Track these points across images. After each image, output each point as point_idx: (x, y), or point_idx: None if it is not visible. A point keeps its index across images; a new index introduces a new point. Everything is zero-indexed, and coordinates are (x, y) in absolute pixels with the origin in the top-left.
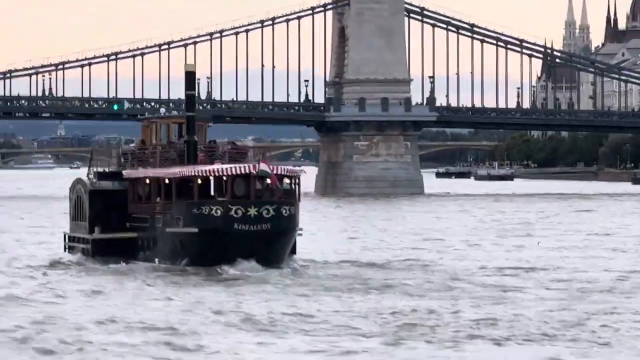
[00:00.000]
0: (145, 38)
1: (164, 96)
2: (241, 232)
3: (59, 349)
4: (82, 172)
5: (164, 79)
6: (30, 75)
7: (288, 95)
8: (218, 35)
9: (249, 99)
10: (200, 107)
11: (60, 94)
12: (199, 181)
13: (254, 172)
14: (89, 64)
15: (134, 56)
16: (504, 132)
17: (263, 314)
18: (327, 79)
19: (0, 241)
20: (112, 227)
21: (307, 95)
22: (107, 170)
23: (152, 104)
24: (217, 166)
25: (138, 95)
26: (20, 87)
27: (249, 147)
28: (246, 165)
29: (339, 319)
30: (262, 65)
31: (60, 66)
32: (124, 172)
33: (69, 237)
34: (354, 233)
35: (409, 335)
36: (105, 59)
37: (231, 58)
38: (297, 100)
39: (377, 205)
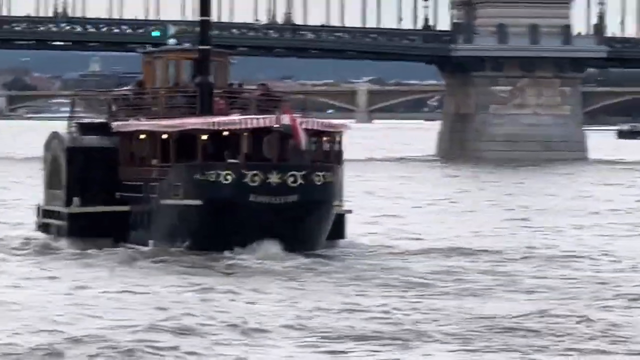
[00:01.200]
0: None
1: (225, 18)
2: (259, 206)
3: None
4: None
5: None
6: None
7: (400, 19)
8: None
9: (345, 24)
10: (276, 35)
11: (78, 14)
12: (204, 137)
13: (276, 126)
14: None
15: None
16: None
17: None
18: None
19: None
20: (96, 198)
21: (426, 20)
22: (93, 121)
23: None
24: (227, 117)
25: (189, 16)
26: (25, 5)
27: (285, 93)
28: (264, 117)
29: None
30: None
31: None
32: (113, 123)
33: (43, 211)
34: (464, 214)
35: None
36: None
37: None
38: (411, 27)
39: (517, 175)
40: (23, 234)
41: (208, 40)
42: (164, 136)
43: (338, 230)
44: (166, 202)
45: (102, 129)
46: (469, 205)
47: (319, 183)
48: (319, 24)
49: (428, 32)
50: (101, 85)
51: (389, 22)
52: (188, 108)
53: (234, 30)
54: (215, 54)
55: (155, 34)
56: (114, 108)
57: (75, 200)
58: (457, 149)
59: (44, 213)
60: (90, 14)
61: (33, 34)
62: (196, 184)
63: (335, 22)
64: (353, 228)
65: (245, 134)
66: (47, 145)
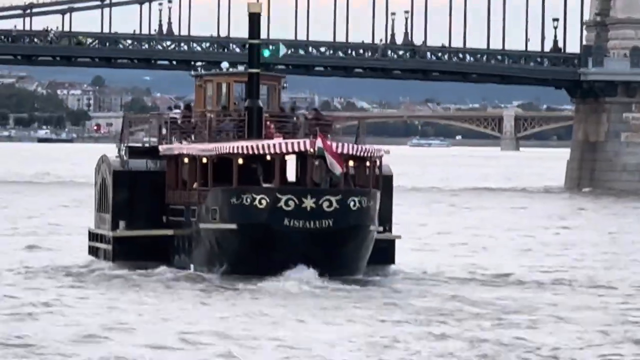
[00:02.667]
0: None
1: (355, 38)
2: (293, 231)
3: None
4: None
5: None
6: (140, 2)
7: (527, 40)
8: None
9: (467, 45)
10: (395, 57)
11: (181, 31)
12: (240, 161)
13: (311, 151)
14: None
15: None
16: None
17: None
18: (586, 19)
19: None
20: (141, 222)
21: (555, 42)
22: (142, 144)
23: (325, 49)
24: (263, 142)
25: (301, 36)
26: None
27: (337, 117)
28: (300, 141)
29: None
30: None
31: None
32: (160, 147)
33: (92, 234)
34: (555, 247)
35: None
36: None
37: None
38: (539, 49)
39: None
40: (67, 258)
41: (257, 63)
42: (204, 160)
43: (386, 256)
44: (204, 225)
45: (151, 153)
46: (568, 239)
47: (354, 208)
48: (439, 44)
49: (557, 54)
50: None
51: (514, 43)
52: (237, 131)
53: (350, 51)
54: (266, 77)
55: (266, 53)
56: (164, 131)
57: (121, 224)
58: (586, 179)
59: (93, 236)
60: (195, 30)
61: (137, 53)
62: (231, 207)
63: (456, 42)
64: (420, 257)
65: (283, 157)
66: (97, 169)
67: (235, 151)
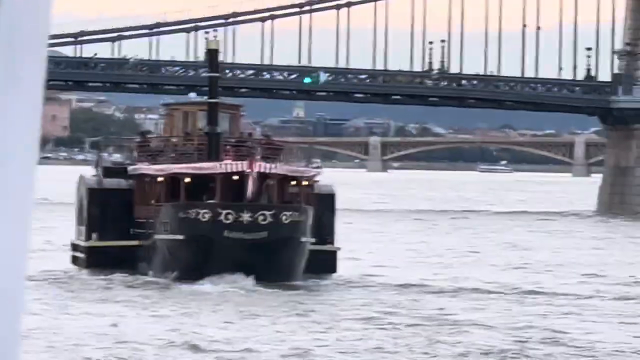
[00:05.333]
0: None
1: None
2: (231, 241)
3: None
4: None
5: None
6: (186, 31)
7: (560, 69)
8: None
9: (501, 73)
10: (428, 82)
11: (230, 59)
12: (187, 180)
13: (248, 172)
14: (271, 17)
15: (337, 7)
16: None
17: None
18: (617, 48)
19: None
20: (112, 234)
21: (588, 71)
22: (115, 165)
23: (362, 76)
24: (209, 163)
25: (342, 64)
26: (170, 47)
27: (287, 142)
28: (239, 163)
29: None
30: (524, 25)
31: (231, 19)
32: (129, 167)
33: (72, 245)
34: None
35: None
36: (297, 9)
37: (471, 17)
38: (571, 77)
39: None
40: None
41: (215, 94)
42: (160, 179)
43: (329, 265)
44: (158, 237)
45: (123, 173)
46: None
47: (286, 221)
48: (473, 72)
49: (588, 83)
50: (302, 131)
51: (548, 71)
52: (198, 154)
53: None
54: (226, 106)
55: (307, 80)
56: (135, 154)
57: (94, 235)
58: (617, 203)
59: (73, 247)
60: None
61: (184, 79)
62: (179, 220)
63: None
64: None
65: (220, 177)
66: (77, 187)
67: (183, 171)
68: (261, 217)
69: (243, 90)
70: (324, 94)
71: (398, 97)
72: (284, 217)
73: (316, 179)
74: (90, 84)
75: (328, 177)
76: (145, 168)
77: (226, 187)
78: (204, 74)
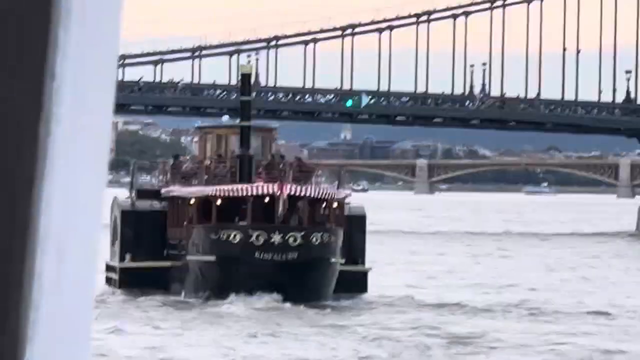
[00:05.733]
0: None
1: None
2: (262, 262)
3: None
4: (366, 197)
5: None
6: (228, 54)
7: (600, 92)
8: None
9: (542, 96)
10: (469, 104)
11: (267, 82)
12: (219, 202)
13: (278, 194)
14: (313, 40)
15: (379, 30)
16: None
17: None
18: None
19: None
20: (145, 255)
21: (628, 93)
22: (150, 187)
23: (405, 99)
24: (240, 185)
25: (384, 87)
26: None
27: (319, 165)
28: (269, 185)
29: None
30: (564, 49)
31: (273, 42)
32: (163, 189)
33: (107, 266)
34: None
35: None
36: (339, 32)
37: (513, 35)
38: (611, 100)
39: None
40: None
41: (248, 117)
42: (192, 201)
43: (359, 285)
44: (190, 257)
45: (156, 195)
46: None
47: (316, 242)
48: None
49: (627, 105)
50: (349, 154)
51: (588, 94)
52: (230, 177)
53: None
54: (259, 129)
55: (349, 103)
56: (168, 176)
57: (127, 256)
58: None
59: (107, 267)
60: (281, 80)
61: (222, 102)
62: (211, 242)
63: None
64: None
65: (251, 199)
66: (111, 208)
67: (214, 193)
68: (292, 239)
69: (285, 113)
70: (365, 116)
71: (440, 119)
72: (314, 239)
73: (347, 200)
74: (133, 107)
75: (373, 199)
76: (178, 190)
77: (257, 209)
78: (240, 97)
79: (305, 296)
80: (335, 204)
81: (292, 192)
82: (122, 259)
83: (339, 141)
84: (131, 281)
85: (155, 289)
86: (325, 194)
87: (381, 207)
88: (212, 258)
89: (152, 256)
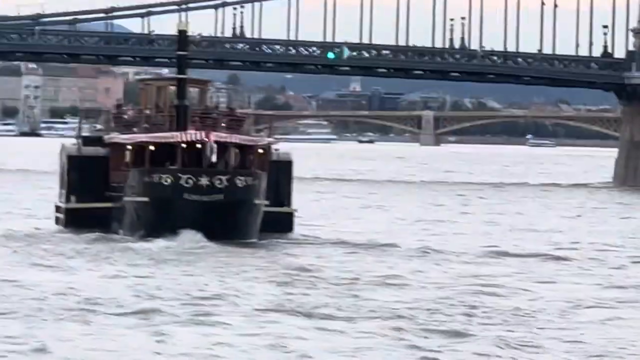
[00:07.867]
0: None
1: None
2: (190, 203)
3: None
4: (374, 148)
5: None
6: (214, 7)
7: (577, 46)
8: None
9: (520, 49)
10: (452, 60)
11: (252, 33)
12: (152, 148)
13: (206, 140)
14: None
15: None
16: None
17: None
18: (632, 26)
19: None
20: (89, 197)
21: (605, 48)
22: (94, 134)
23: (386, 52)
24: (172, 133)
25: (365, 39)
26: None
27: (248, 114)
28: (198, 132)
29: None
30: (542, 3)
31: None
32: (105, 136)
33: (56, 206)
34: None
35: None
36: None
37: None
38: (587, 54)
39: None
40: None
41: (184, 70)
42: (129, 147)
43: (285, 225)
44: (127, 199)
45: (100, 141)
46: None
47: (241, 185)
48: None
49: (604, 59)
50: (357, 105)
51: (565, 48)
52: (168, 126)
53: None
54: (195, 81)
55: (331, 55)
56: (112, 124)
57: (72, 198)
58: (631, 176)
59: (56, 208)
60: (266, 32)
61: (211, 54)
62: (144, 184)
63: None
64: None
65: (181, 145)
66: (60, 154)
67: (148, 140)
68: (218, 182)
69: (269, 65)
70: (347, 68)
71: (420, 72)
72: (238, 182)
73: (273, 147)
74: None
75: (380, 149)
76: (119, 137)
77: (187, 155)
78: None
79: (229, 235)
80: (260, 150)
81: (220, 139)
82: (68, 200)
83: (348, 93)
84: (76, 221)
85: (97, 228)
86: (251, 141)
87: (361, 157)
88: (145, 199)
89: (95, 198)
